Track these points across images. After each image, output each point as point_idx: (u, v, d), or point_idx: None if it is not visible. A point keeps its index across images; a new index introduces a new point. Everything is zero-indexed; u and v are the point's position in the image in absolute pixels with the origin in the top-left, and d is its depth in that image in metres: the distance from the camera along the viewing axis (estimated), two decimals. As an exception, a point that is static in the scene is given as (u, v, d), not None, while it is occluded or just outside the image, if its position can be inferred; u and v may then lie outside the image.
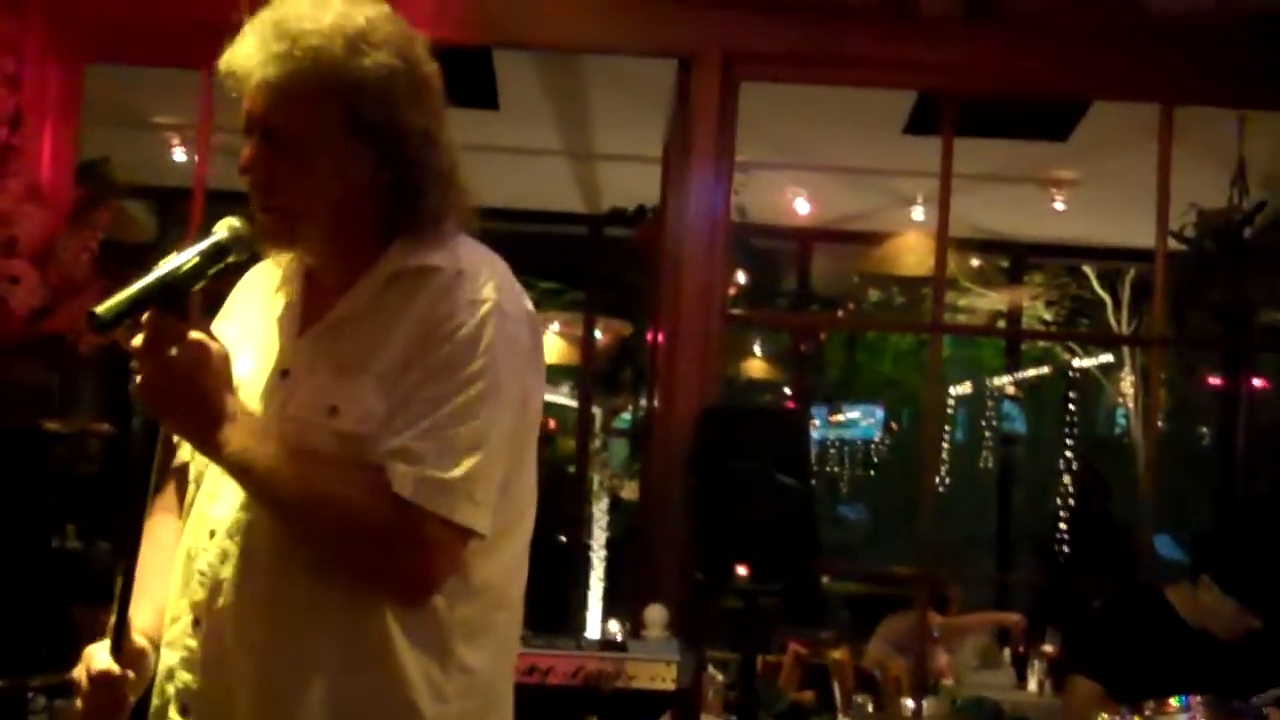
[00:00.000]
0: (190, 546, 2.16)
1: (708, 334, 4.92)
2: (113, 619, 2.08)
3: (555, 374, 11.02)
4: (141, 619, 2.15)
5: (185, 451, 2.27)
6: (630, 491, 10.14)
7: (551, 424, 11.38)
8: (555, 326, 10.52)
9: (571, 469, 10.38)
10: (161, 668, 2.17)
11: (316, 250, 2.16)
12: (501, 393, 2.08)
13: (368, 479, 2.02)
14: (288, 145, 2.08)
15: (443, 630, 2.11)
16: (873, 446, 11.93)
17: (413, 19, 4.65)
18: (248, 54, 2.08)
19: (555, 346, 10.59)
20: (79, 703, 2.11)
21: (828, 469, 11.76)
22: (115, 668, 2.07)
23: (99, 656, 2.08)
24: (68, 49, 4.67)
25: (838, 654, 6.34)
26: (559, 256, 9.92)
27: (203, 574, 2.13)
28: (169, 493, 2.32)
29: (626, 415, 10.94)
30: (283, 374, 2.13)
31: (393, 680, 2.07)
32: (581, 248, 9.30)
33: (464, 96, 6.93)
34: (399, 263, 2.12)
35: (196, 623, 2.13)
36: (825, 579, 8.45)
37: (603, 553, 10.17)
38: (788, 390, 10.38)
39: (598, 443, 10.35)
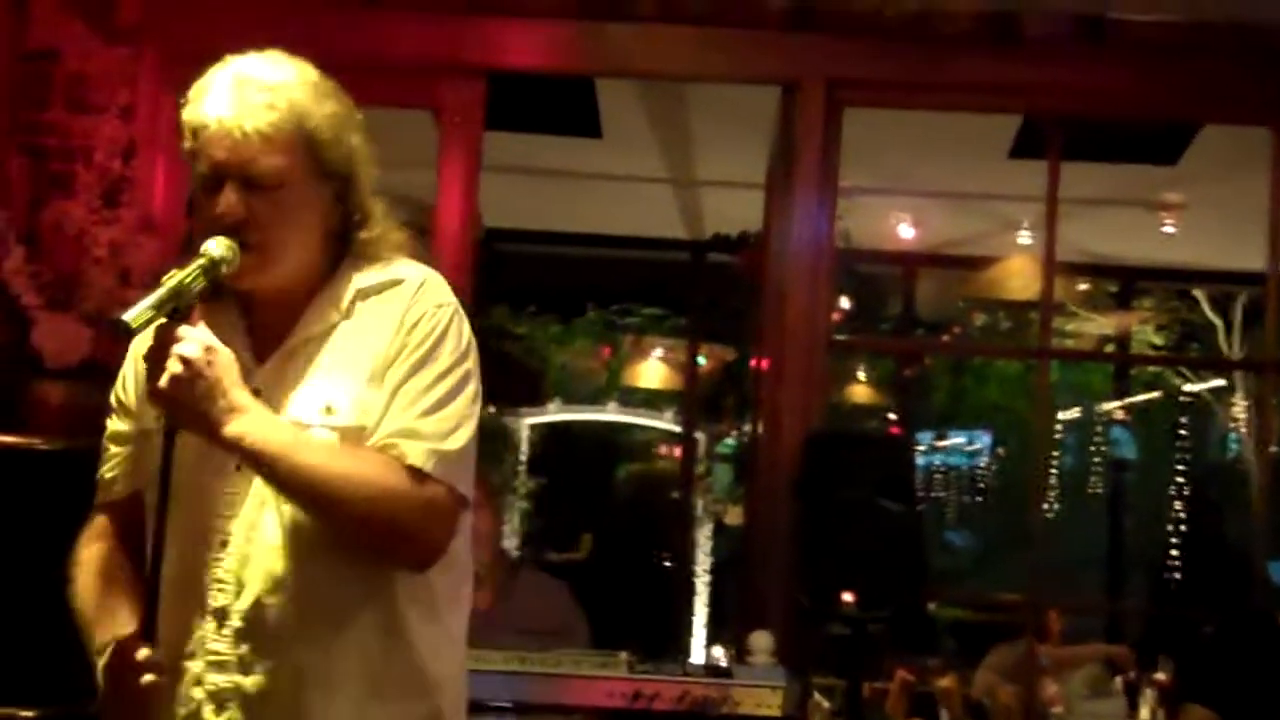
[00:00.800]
0: (193, 561, 2.27)
1: (812, 360, 4.91)
2: (143, 610, 2.19)
3: (659, 399, 11.05)
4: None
5: (128, 484, 2.42)
6: (734, 517, 10.13)
7: (664, 449, 11.41)
8: (658, 352, 10.55)
9: (675, 494, 10.40)
10: (186, 675, 2.27)
11: (275, 283, 2.33)
12: (471, 378, 2.35)
13: (381, 457, 2.23)
14: (264, 188, 2.26)
15: (436, 600, 2.35)
16: (979, 472, 11.84)
17: (519, 52, 4.71)
18: (226, 106, 2.25)
19: (658, 372, 10.62)
20: (108, 693, 2.21)
21: (934, 495, 11.68)
22: (153, 651, 2.17)
23: (132, 644, 2.18)
24: (180, 82, 4.77)
25: (945, 681, 6.30)
26: (662, 283, 9.95)
27: (222, 581, 2.27)
28: (104, 524, 2.44)
29: (730, 440, 10.93)
30: (254, 392, 2.25)
31: (407, 648, 2.31)
32: (684, 274, 9.32)
33: (568, 125, 7.02)
34: (358, 282, 2.36)
35: (220, 626, 2.26)
36: (932, 605, 8.40)
37: (707, 578, 10.16)
38: (892, 416, 10.32)
39: (701, 468, 10.35)
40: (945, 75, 4.97)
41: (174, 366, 2.13)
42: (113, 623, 2.29)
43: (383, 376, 2.29)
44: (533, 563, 4.65)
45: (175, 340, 2.14)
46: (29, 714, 4.21)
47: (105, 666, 2.23)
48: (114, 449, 2.46)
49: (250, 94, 2.24)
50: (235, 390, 2.18)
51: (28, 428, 4.44)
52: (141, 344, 2.39)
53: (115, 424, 2.46)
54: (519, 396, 10.89)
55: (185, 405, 2.16)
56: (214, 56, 2.35)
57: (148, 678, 2.15)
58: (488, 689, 3.78)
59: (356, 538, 2.25)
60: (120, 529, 2.42)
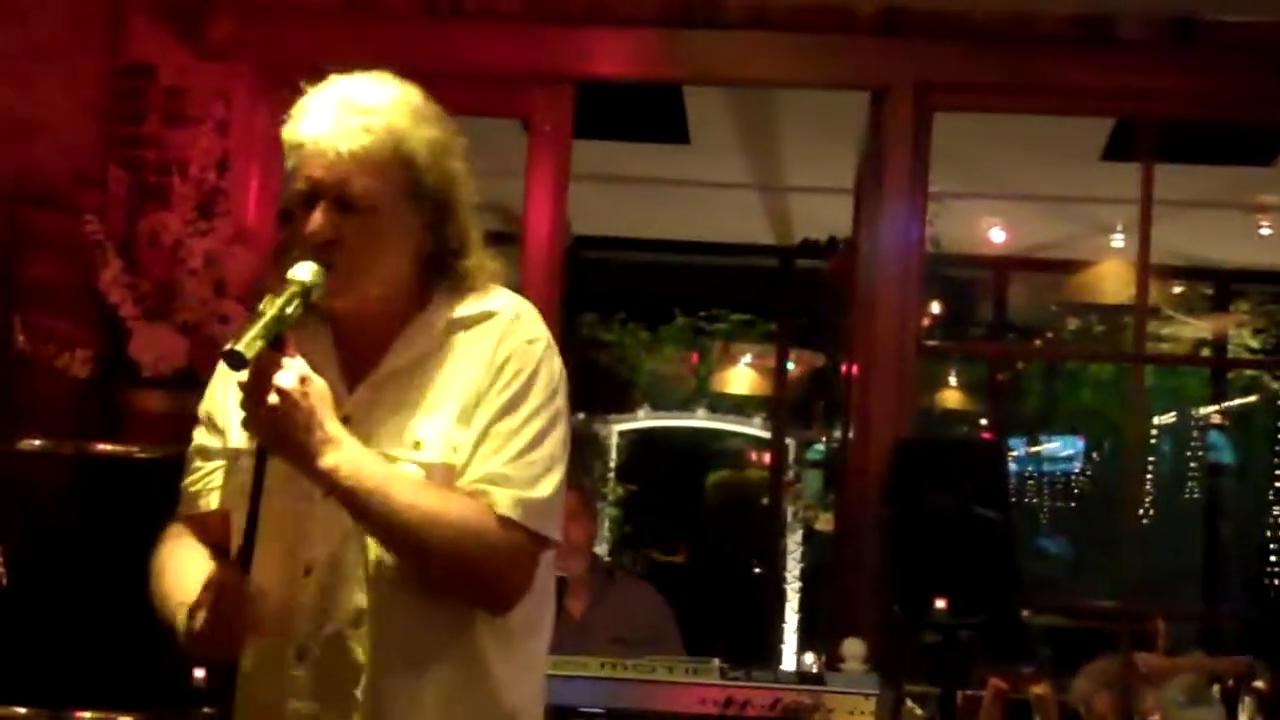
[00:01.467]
0: (275, 588, 2.23)
1: (902, 365, 4.88)
2: (244, 537, 2.17)
3: (748, 405, 11.04)
4: None
5: (215, 500, 2.41)
6: (824, 523, 10.08)
7: (752, 455, 11.39)
8: (747, 358, 10.54)
9: (765, 501, 10.37)
10: (263, 706, 2.26)
11: (365, 308, 2.31)
12: (561, 417, 2.33)
13: (469, 501, 2.22)
14: (357, 211, 2.24)
15: (515, 631, 2.33)
16: (1073, 478, 11.72)
17: (607, 61, 4.74)
18: (323, 125, 2.24)
19: (747, 378, 10.60)
20: (202, 620, 2.16)
21: (1026, 501, 11.58)
22: (249, 580, 2.15)
23: (233, 571, 2.16)
24: (273, 95, 4.82)
25: (1040, 689, 6.22)
26: (751, 289, 9.95)
27: (305, 607, 2.25)
28: (186, 533, 2.44)
29: (819, 446, 10.90)
30: (344, 420, 2.23)
31: (486, 681, 2.30)
32: (773, 280, 9.30)
33: (655, 133, 7.03)
34: (451, 311, 2.34)
35: (300, 655, 2.25)
36: (1026, 613, 8.32)
37: (797, 584, 10.13)
38: (984, 421, 10.24)
39: (791, 474, 10.32)
40: (1036, 78, 4.93)
41: (271, 397, 2.12)
42: (194, 589, 2.23)
43: (472, 415, 2.27)
44: (625, 569, 4.65)
45: (273, 369, 2.13)
46: (126, 718, 4.27)
47: (202, 600, 2.16)
48: (200, 463, 2.46)
49: (348, 115, 2.24)
50: (330, 422, 2.17)
51: (125, 436, 4.51)
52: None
53: (203, 438, 2.47)
54: (608, 404, 10.91)
55: (280, 435, 2.15)
56: (306, 69, 2.35)
57: (235, 606, 2.13)
58: (580, 695, 3.79)
59: (437, 578, 2.24)
60: (205, 542, 2.41)
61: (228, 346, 2.06)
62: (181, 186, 4.66)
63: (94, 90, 4.90)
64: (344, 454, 2.16)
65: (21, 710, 4.29)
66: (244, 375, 2.12)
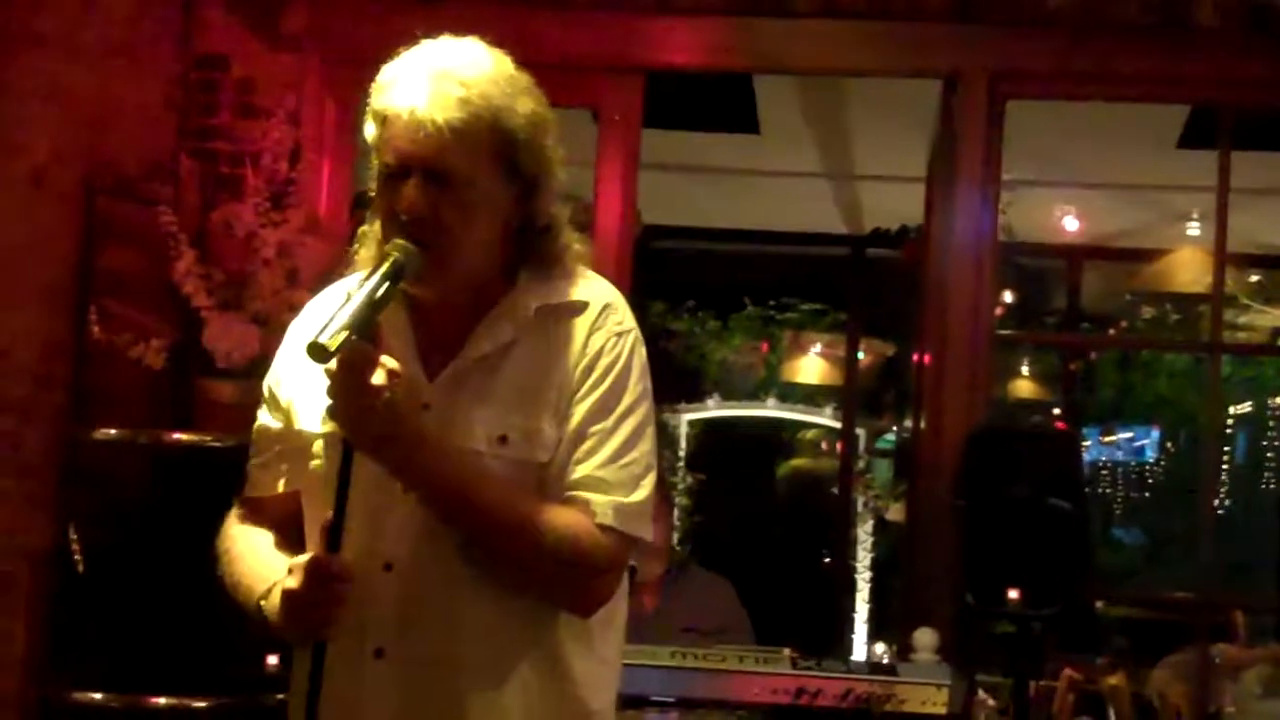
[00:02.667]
0: (353, 585, 2.17)
1: (975, 355, 4.85)
2: (330, 522, 2.13)
3: (818, 395, 10.99)
4: None
5: (281, 484, 2.37)
6: (895, 513, 10.03)
7: (823, 445, 11.35)
8: (817, 347, 10.49)
9: (835, 490, 10.34)
10: (338, 701, 2.19)
11: (452, 287, 2.23)
12: (651, 412, 2.29)
13: (562, 506, 2.17)
14: (451, 185, 2.15)
15: (592, 631, 2.30)
16: (1147, 468, 11.61)
17: (677, 50, 4.73)
18: (418, 97, 2.14)
19: (817, 367, 10.55)
20: (288, 606, 2.13)
21: (1100, 491, 11.48)
22: (339, 559, 2.11)
23: (324, 556, 2.12)
24: (343, 86, 4.85)
25: (1114, 680, 6.18)
26: (821, 278, 9.91)
27: (384, 604, 2.21)
28: (253, 514, 2.42)
29: (890, 436, 10.85)
30: (423, 408, 2.19)
31: (567, 683, 2.26)
32: (844, 268, 9.27)
33: (725, 122, 7.02)
34: (538, 298, 2.26)
35: (379, 653, 2.21)
36: (1100, 603, 8.26)
37: (868, 575, 10.09)
38: (1057, 411, 10.16)
39: (861, 464, 10.28)
40: (1110, 65, 4.88)
41: (360, 394, 2.05)
42: (272, 573, 2.22)
43: (560, 411, 2.22)
44: (696, 561, 4.65)
45: (361, 363, 2.05)
46: (201, 704, 4.31)
47: (292, 581, 2.12)
48: (265, 443, 2.41)
49: (445, 86, 2.14)
50: (416, 420, 2.12)
51: (199, 425, 4.55)
52: (297, 338, 2.37)
53: (267, 418, 2.41)
54: (678, 393, 10.89)
55: (367, 432, 2.09)
56: (377, 61, 2.29)
57: (322, 586, 2.10)
58: (651, 685, 3.80)
59: (524, 581, 2.21)
60: (272, 524, 2.38)
61: (312, 338, 2.01)
62: (254, 177, 4.69)
63: (168, 82, 4.94)
64: (433, 455, 2.12)
65: (97, 696, 4.34)
66: (330, 365, 2.05)
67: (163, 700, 4.31)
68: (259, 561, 2.29)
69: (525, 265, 2.28)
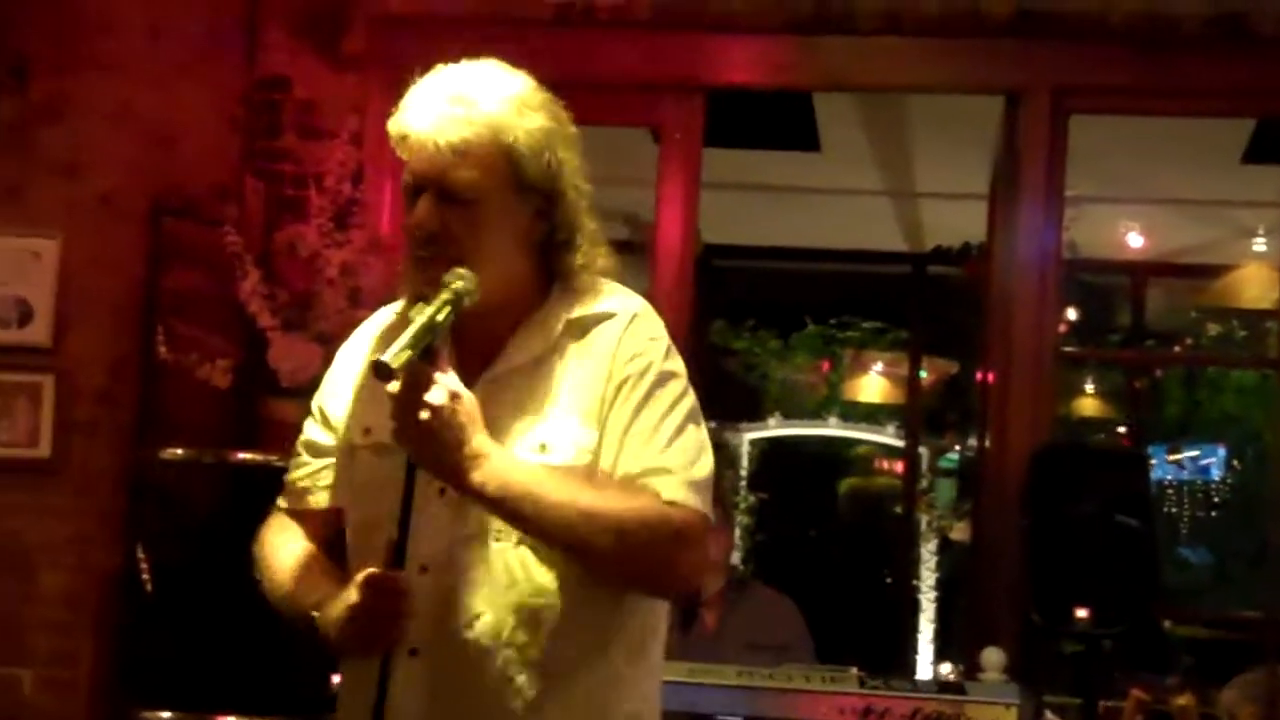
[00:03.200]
0: None
1: (1040, 372, 4.81)
2: (394, 537, 2.17)
3: (880, 414, 10.96)
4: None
5: (325, 498, 2.42)
6: (959, 532, 9.99)
7: (884, 464, 11.31)
8: (879, 366, 10.47)
9: (898, 510, 10.29)
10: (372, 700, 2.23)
11: (481, 301, 2.26)
12: (696, 411, 2.32)
13: (624, 490, 2.21)
14: (462, 202, 2.23)
15: (644, 633, 2.33)
16: (1214, 486, 11.49)
17: (738, 69, 4.71)
18: (424, 118, 2.23)
19: (878, 386, 10.53)
20: (352, 620, 2.17)
21: (1167, 509, 11.38)
22: (403, 577, 2.16)
23: (385, 572, 2.17)
24: (407, 106, 4.87)
25: (1183, 700, 6.11)
26: (882, 296, 9.89)
27: (419, 606, 2.22)
28: (292, 525, 2.46)
29: (952, 455, 10.80)
30: None
31: (616, 692, 2.28)
32: (905, 286, 9.24)
33: (785, 140, 7.00)
34: (568, 311, 2.32)
35: (413, 653, 2.23)
36: (1167, 623, 8.18)
37: (932, 594, 10.04)
38: (1122, 429, 10.08)
39: (924, 483, 10.24)
40: (1174, 79, 4.84)
41: (423, 414, 2.11)
42: (322, 582, 2.29)
43: (600, 417, 2.26)
44: (758, 578, 4.63)
45: (424, 383, 2.11)
46: (261, 724, 4.33)
47: (360, 596, 2.17)
48: (309, 458, 2.47)
49: (448, 107, 2.22)
50: (478, 437, 2.15)
51: (265, 444, 4.57)
52: (346, 358, 2.47)
53: (314, 433, 2.47)
54: (739, 412, 10.88)
55: (429, 451, 2.14)
56: None
57: (384, 600, 2.14)
58: (718, 703, 3.78)
59: (607, 570, 2.23)
60: (310, 535, 2.43)
61: (375, 357, 2.06)
62: (317, 198, 4.71)
63: (232, 103, 4.98)
64: (492, 467, 2.15)
65: (166, 715, 4.37)
66: (394, 386, 2.10)
67: (230, 719, 4.33)
68: (304, 575, 2.34)
69: (555, 276, 2.34)
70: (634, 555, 2.21)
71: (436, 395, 2.11)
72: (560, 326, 2.32)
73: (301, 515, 2.46)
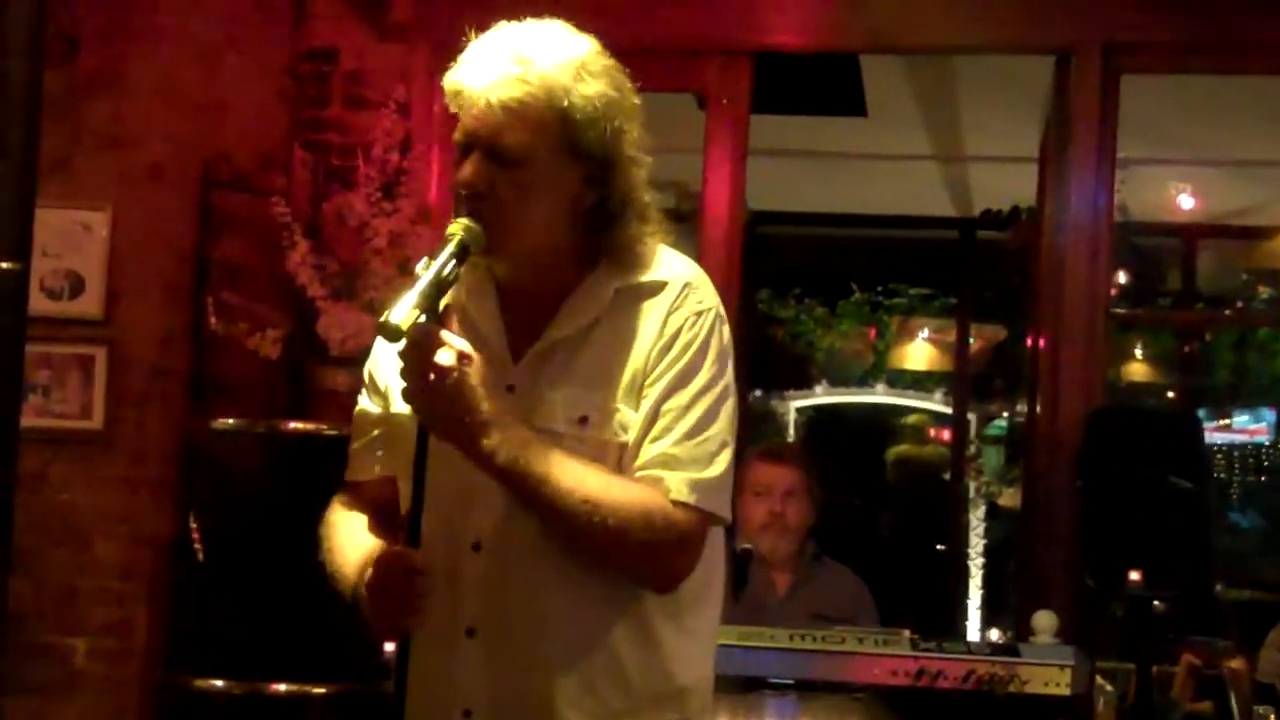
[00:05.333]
0: (444, 560, 2.21)
1: (1091, 336, 4.79)
2: (410, 512, 2.15)
3: (927, 380, 10.92)
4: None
5: (378, 467, 2.40)
6: (1007, 499, 9.95)
7: (931, 432, 11.28)
8: (925, 333, 10.43)
9: (946, 476, 10.26)
10: (433, 679, 2.23)
11: (521, 266, 2.26)
12: (730, 392, 2.28)
13: (637, 485, 2.17)
14: (510, 162, 2.17)
15: (682, 604, 2.29)
16: (1264, 450, 11.43)
17: (784, 31, 4.68)
18: (480, 75, 2.18)
19: (925, 353, 10.49)
20: (371, 599, 2.17)
21: (1216, 474, 11.32)
22: (417, 554, 2.14)
23: (400, 551, 2.16)
24: (452, 76, 4.87)
25: (1235, 663, 6.08)
26: (930, 262, 9.84)
27: (474, 582, 2.22)
28: (354, 498, 2.44)
29: (1000, 422, 10.75)
30: (508, 389, 2.22)
31: (657, 657, 2.27)
32: (953, 252, 9.18)
33: (832, 105, 6.95)
34: (618, 280, 2.27)
35: (470, 631, 2.23)
36: (1219, 587, 8.14)
37: (980, 561, 10.01)
38: (1171, 394, 10.02)
39: (972, 449, 10.20)
40: (1226, 37, 4.80)
41: (428, 374, 2.08)
42: (368, 561, 2.24)
43: (639, 390, 2.23)
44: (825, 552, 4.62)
45: (431, 344, 2.07)
46: (320, 691, 4.35)
47: (373, 576, 2.17)
48: (365, 427, 2.43)
49: (505, 65, 2.16)
50: (488, 402, 2.12)
51: (315, 414, 4.59)
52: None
53: (366, 402, 2.43)
54: (785, 380, 10.86)
55: (438, 414, 2.11)
56: None
57: (402, 581, 2.12)
58: (770, 666, 3.78)
59: (600, 561, 2.21)
60: (371, 509, 2.41)
61: (383, 317, 2.02)
62: (365, 168, 4.73)
63: (279, 75, 5.00)
64: (503, 436, 2.12)
65: (218, 683, 4.39)
66: (401, 345, 2.07)
67: (282, 687, 4.36)
68: (355, 549, 2.32)
69: (605, 247, 2.29)
70: (628, 551, 2.19)
71: (444, 356, 2.07)
72: (609, 295, 2.27)
73: (359, 486, 2.44)
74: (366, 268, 4.58)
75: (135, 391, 4.53)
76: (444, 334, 2.10)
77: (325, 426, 4.47)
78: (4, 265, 2.45)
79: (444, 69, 2.26)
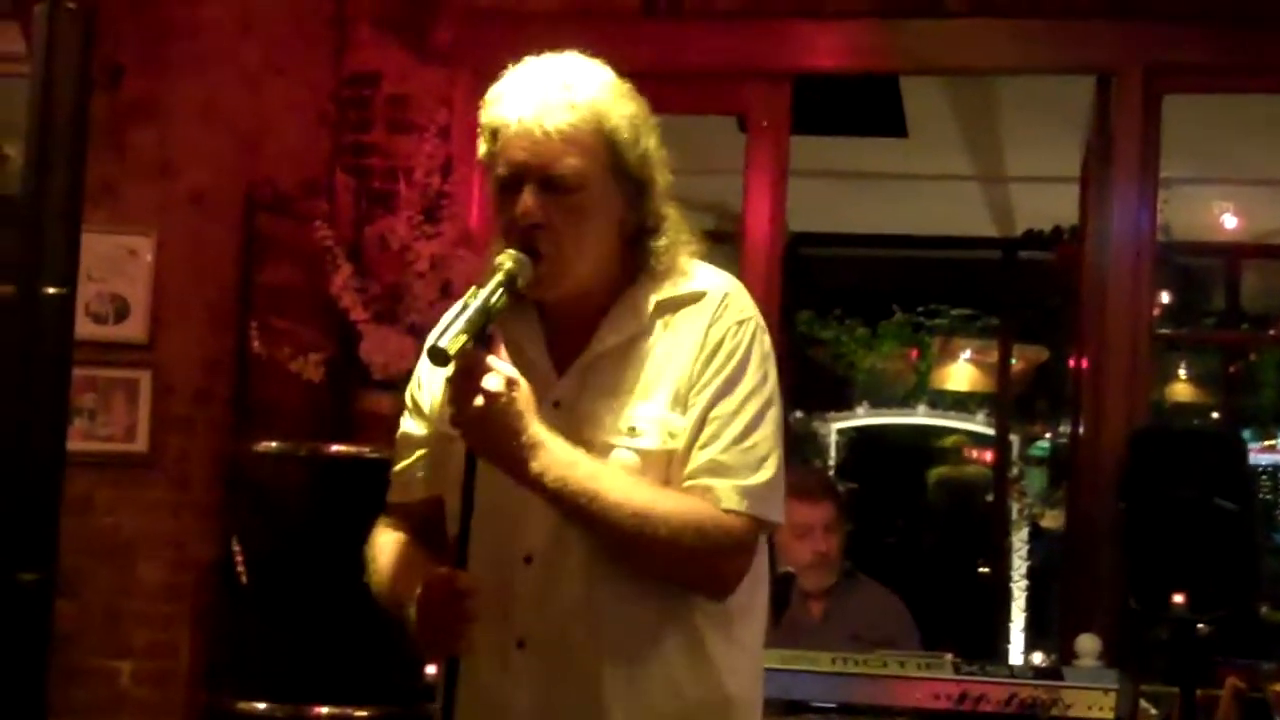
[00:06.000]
0: (495, 577, 2.22)
1: (1135, 356, 4.77)
2: (459, 532, 2.17)
3: (969, 401, 10.88)
4: None
5: (423, 489, 2.41)
6: (1050, 520, 9.91)
7: (974, 453, 11.23)
8: (967, 354, 10.39)
9: (989, 498, 10.21)
10: (484, 693, 2.24)
11: (571, 290, 2.27)
12: (775, 398, 2.30)
13: (685, 495, 2.20)
14: (564, 191, 2.20)
15: (731, 615, 2.31)
16: (1310, 473, 11.35)
17: (824, 54, 4.68)
18: (525, 106, 2.20)
19: (967, 374, 10.46)
20: (420, 621, 2.18)
21: (1261, 495, 11.23)
22: (465, 576, 2.14)
23: (448, 573, 2.16)
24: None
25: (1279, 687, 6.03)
26: (972, 282, 9.80)
27: (525, 597, 2.24)
28: (399, 521, 2.45)
29: (1043, 443, 10.70)
30: (554, 405, 2.23)
31: (708, 669, 2.28)
32: (994, 272, 9.15)
33: (872, 126, 6.95)
34: (657, 293, 2.31)
35: (522, 645, 2.24)
36: (1263, 609, 8.08)
37: (1023, 583, 9.96)
38: (1215, 415, 9.95)
39: (1015, 471, 10.15)
40: (1268, 56, 4.77)
41: (477, 400, 2.09)
42: (416, 581, 2.24)
43: (686, 400, 2.25)
44: (862, 572, 4.61)
45: (480, 369, 2.10)
46: (362, 713, 4.37)
47: (421, 598, 2.18)
48: (406, 450, 2.45)
49: (551, 93, 2.19)
50: (534, 425, 2.13)
51: (358, 437, 4.61)
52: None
53: (410, 424, 2.45)
54: (826, 402, 10.84)
55: (486, 438, 2.13)
56: None
57: (452, 603, 2.13)
58: (812, 689, 3.77)
59: (653, 572, 2.23)
60: (416, 530, 2.42)
61: (431, 342, 2.06)
62: (407, 192, 4.75)
63: (322, 99, 5.02)
64: (550, 457, 2.14)
65: (261, 705, 4.41)
66: (449, 370, 2.10)
67: (325, 709, 4.37)
68: (402, 571, 2.34)
69: (643, 262, 2.32)
70: (681, 561, 2.21)
71: (491, 381, 2.09)
72: (650, 308, 2.30)
73: (405, 508, 2.45)
74: (409, 291, 4.60)
75: (179, 415, 4.56)
76: (491, 359, 2.12)
77: (368, 449, 4.48)
78: (50, 290, 2.46)
79: (485, 93, 2.28)
